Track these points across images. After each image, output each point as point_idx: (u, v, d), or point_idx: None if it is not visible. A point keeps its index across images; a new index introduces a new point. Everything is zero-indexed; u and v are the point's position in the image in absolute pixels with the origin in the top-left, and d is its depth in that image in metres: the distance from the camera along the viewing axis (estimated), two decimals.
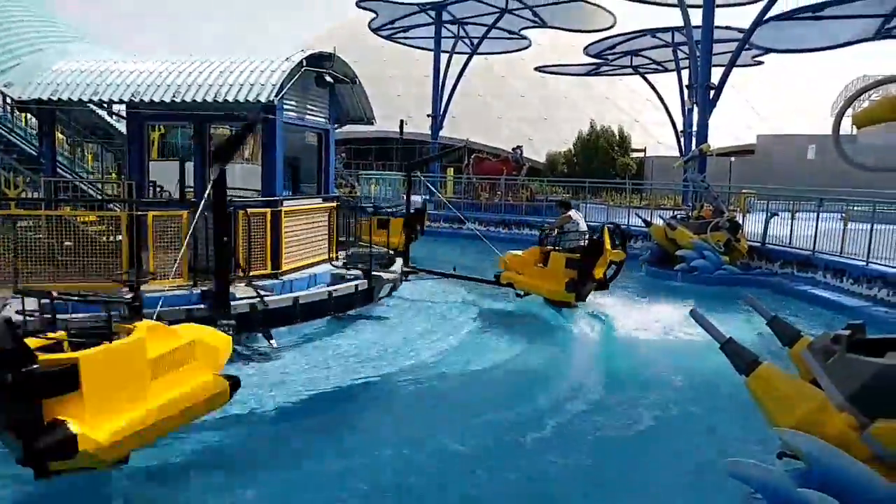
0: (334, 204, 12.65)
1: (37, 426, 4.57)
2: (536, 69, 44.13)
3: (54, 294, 5.49)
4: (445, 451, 6.65)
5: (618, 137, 38.55)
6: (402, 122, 29.47)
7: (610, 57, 39.57)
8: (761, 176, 31.63)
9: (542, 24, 37.09)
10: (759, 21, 25.81)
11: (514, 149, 29.32)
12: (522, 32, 38.79)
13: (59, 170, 11.84)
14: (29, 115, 15.15)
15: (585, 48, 38.77)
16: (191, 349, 5.74)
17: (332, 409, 7.79)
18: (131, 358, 5.15)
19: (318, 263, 11.56)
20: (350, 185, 25.00)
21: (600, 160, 36.65)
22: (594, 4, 35.55)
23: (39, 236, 8.86)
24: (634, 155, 39.54)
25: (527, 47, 41.58)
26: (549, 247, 12.27)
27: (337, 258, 12.37)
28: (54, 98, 9.82)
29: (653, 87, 41.14)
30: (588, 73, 44.03)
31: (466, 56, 38.63)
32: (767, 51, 34.30)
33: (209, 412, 6.01)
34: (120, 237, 9.29)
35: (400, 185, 29.92)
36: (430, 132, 37.85)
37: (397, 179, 28.33)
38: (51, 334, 5.21)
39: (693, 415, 7.94)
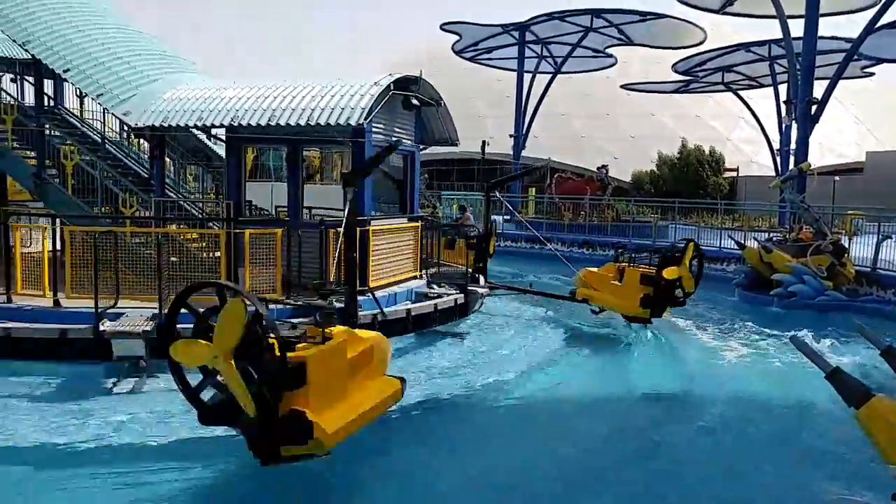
0: (419, 223, 12.88)
1: (277, 414, 5.20)
2: (623, 87, 43.46)
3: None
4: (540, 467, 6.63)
5: (709, 156, 37.23)
6: (483, 142, 29.47)
7: (700, 73, 38.43)
8: (871, 196, 29.66)
9: (628, 42, 36.54)
10: (870, 29, 24.35)
11: (598, 168, 28.89)
12: (608, 50, 38.34)
13: (166, 190, 12.66)
14: (141, 140, 16.32)
15: (674, 65, 37.85)
16: (371, 352, 6.32)
17: (424, 420, 7.87)
18: (339, 358, 5.79)
19: (403, 280, 11.78)
20: (432, 205, 25.32)
21: (690, 180, 35.50)
22: (683, 20, 34.70)
23: (150, 252, 9.48)
24: (727, 174, 38.05)
25: (612, 65, 41.05)
26: (624, 263, 12.27)
27: (421, 276, 12.58)
28: (165, 124, 10.55)
29: (746, 104, 39.61)
30: (676, 91, 42.92)
31: (550, 75, 38.55)
32: (879, 61, 32.33)
33: (388, 409, 6.55)
34: (218, 253, 9.81)
35: (481, 205, 30.09)
36: (511, 152, 37.89)
37: (479, 200, 28.44)
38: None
39: (796, 447, 7.55)
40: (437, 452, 7.23)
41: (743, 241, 17.73)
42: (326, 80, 10.96)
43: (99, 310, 8.62)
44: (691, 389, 9.74)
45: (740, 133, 45.64)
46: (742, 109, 40.73)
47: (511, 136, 37.94)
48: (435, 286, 12.84)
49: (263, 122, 10.24)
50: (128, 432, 6.91)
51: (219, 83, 11.60)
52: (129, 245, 9.82)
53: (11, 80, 16.85)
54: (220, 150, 16.43)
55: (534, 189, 34.14)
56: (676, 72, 38.70)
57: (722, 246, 19.25)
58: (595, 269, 12.80)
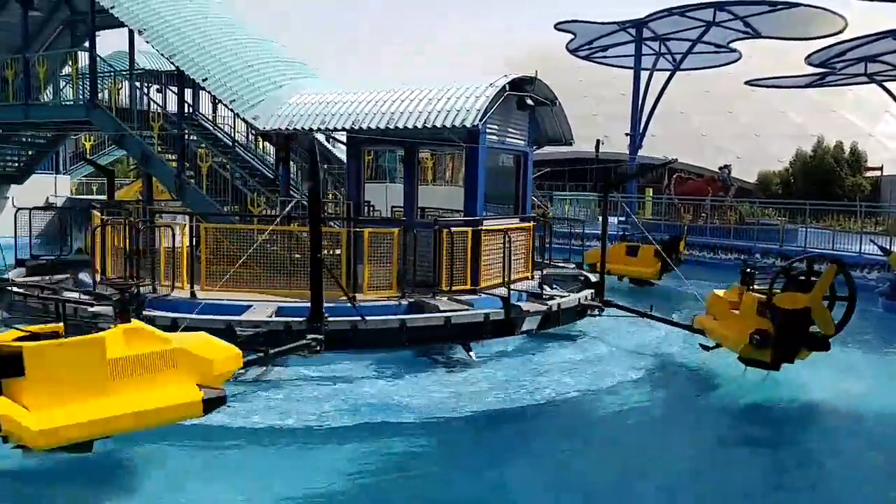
0: (531, 224, 12.82)
1: None
2: (748, 83, 41.06)
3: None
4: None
5: (847, 154, 34.34)
6: (598, 141, 28.99)
7: (839, 65, 35.53)
8: None
9: (755, 35, 34.41)
10: None
11: (721, 168, 27.48)
12: (732, 45, 36.35)
13: (290, 191, 13.40)
14: (265, 143, 17.35)
15: (808, 57, 35.21)
16: (170, 356, 5.76)
17: (519, 422, 7.87)
18: (84, 355, 5.34)
19: (514, 281, 11.76)
20: (543, 206, 25.10)
21: (823, 179, 32.94)
22: (822, 9, 32.20)
23: (275, 248, 10.07)
24: (870, 174, 34.94)
25: (735, 60, 38.87)
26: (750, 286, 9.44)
27: (532, 277, 12.51)
28: (290, 128, 11.15)
29: (893, 96, 36.22)
30: (810, 85, 39.93)
31: (668, 72, 37.09)
32: None
33: (176, 420, 5.99)
34: (339, 251, 10.26)
35: (595, 206, 29.47)
36: (627, 152, 36.82)
37: (592, 200, 27.88)
38: (52, 326, 5.72)
39: None
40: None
41: (888, 247, 16.31)
42: (443, 82, 11.15)
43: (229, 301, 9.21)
44: (830, 409, 8.91)
45: (885, 128, 41.82)
46: (888, 103, 37.29)
47: (627, 134, 36.90)
48: (547, 287, 12.75)
49: (382, 126, 10.58)
50: (256, 416, 7.39)
51: (340, 88, 12.11)
52: (256, 241, 10.46)
53: (157, 90, 18.45)
54: (338, 152, 17.17)
55: (650, 189, 33.00)
56: (811, 64, 35.99)
57: (862, 251, 17.73)
58: (721, 292, 10.14)
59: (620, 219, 25.45)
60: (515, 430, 7.69)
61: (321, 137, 16.50)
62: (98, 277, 11.01)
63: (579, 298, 11.69)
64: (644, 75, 37.14)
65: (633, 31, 35.94)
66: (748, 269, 9.67)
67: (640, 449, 7.46)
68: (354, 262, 9.95)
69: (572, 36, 38.29)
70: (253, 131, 14.89)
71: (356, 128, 10.83)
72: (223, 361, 6.12)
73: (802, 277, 8.61)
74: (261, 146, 17.66)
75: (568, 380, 9.13)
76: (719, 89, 46.18)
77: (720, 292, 10.14)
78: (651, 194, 31.87)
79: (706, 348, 9.95)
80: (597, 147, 28.68)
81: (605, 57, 40.50)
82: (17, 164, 20.67)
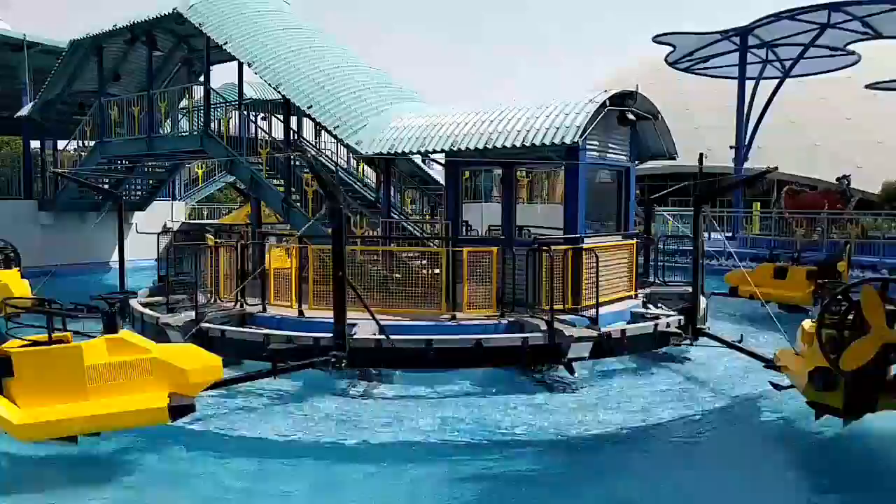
0: (634, 241, 12.42)
1: None
2: (868, 87, 38.27)
3: None
4: None
5: None
6: (701, 155, 27.82)
7: None
8: None
9: (876, 35, 32.08)
10: None
11: (839, 178, 25.70)
12: (849, 47, 34.05)
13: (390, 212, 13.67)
14: (364, 167, 17.86)
15: None
16: (147, 365, 6.45)
17: (613, 448, 7.54)
18: (65, 361, 6.25)
19: (617, 300, 11.41)
20: (642, 221, 24.30)
21: None
22: None
23: (377, 268, 10.28)
24: None
25: (853, 64, 36.36)
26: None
27: (636, 296, 12.10)
28: (392, 151, 11.39)
29: None
30: None
31: (776, 80, 35.21)
32: None
33: (143, 424, 6.61)
34: (438, 270, 10.32)
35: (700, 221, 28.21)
36: (732, 165, 35.13)
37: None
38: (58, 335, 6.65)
39: None
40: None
41: None
42: (541, 100, 11.05)
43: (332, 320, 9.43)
44: None
45: None
46: None
47: (732, 147, 35.26)
48: (652, 307, 12.28)
49: (480, 146, 10.60)
50: (361, 430, 7.54)
51: (439, 110, 12.27)
52: (359, 262, 10.73)
53: (262, 118, 19.45)
54: (434, 173, 17.41)
55: (758, 203, 31.30)
56: None
57: None
58: (808, 323, 8.45)
59: (727, 235, 24.27)
60: (619, 453, 7.39)
61: (417, 159, 16.82)
62: (211, 297, 11.63)
63: (656, 325, 10.54)
64: (749, 84, 35.49)
65: (737, 39, 34.44)
66: (824, 290, 8.00)
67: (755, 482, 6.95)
68: (454, 281, 9.97)
69: (671, 48, 37.21)
70: (355, 157, 15.37)
71: (455, 149, 10.90)
72: (199, 371, 6.71)
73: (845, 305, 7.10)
74: (361, 169, 18.21)
75: (674, 404, 8.73)
76: (836, 95, 43.31)
77: (807, 323, 8.44)
78: (759, 208, 30.20)
79: (777, 387, 8.52)
80: (700, 161, 27.53)
81: (706, 68, 39.05)
82: (140, 193, 22.36)
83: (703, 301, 12.30)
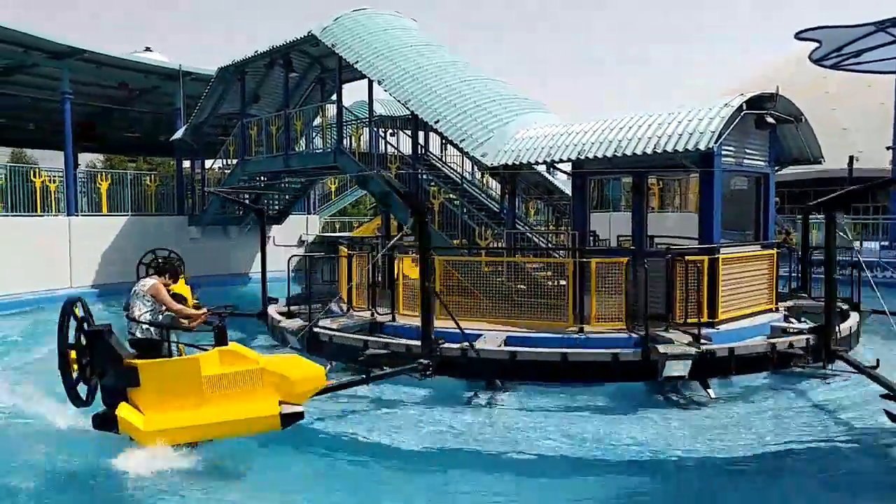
0: (774, 251, 11.62)
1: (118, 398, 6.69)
2: None
3: None
4: None
5: None
6: (851, 158, 25.61)
7: None
8: None
9: None
10: None
11: None
12: None
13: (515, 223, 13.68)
14: (487, 178, 18.00)
15: None
16: (257, 375, 6.66)
17: (745, 471, 6.98)
18: (184, 371, 6.64)
19: (757, 314, 10.72)
20: (785, 230, 22.68)
21: None
22: None
23: (501, 279, 10.30)
24: None
25: None
26: None
27: (777, 309, 11.32)
28: (517, 162, 11.41)
29: None
30: None
31: None
32: None
33: (256, 431, 6.83)
34: (563, 281, 10.17)
35: (854, 229, 25.95)
36: (890, 167, 31.98)
37: (848, 224, 24.51)
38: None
39: None
40: None
41: None
42: (673, 106, 10.65)
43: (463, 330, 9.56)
44: None
45: None
46: None
47: (888, 148, 32.12)
48: (794, 321, 11.42)
49: (609, 154, 10.35)
50: (482, 442, 7.55)
51: (566, 120, 12.14)
52: (484, 273, 10.80)
53: (391, 134, 20.15)
54: (559, 182, 17.21)
55: None
56: None
57: None
58: None
59: (883, 244, 22.09)
60: (756, 477, 6.88)
61: (541, 169, 16.71)
62: (344, 307, 12.16)
63: (773, 345, 9.47)
64: None
65: (893, 30, 31.47)
66: None
67: None
68: (581, 292, 9.78)
69: (817, 45, 34.59)
70: (480, 168, 15.53)
71: (582, 158, 10.72)
72: (304, 381, 6.89)
73: None
74: (485, 180, 18.37)
75: (810, 429, 8.01)
76: None
77: None
78: None
79: (892, 417, 7.54)
80: (850, 164, 25.35)
81: (858, 63, 35.94)
82: (277, 207, 23.85)
83: (854, 317, 11.29)
